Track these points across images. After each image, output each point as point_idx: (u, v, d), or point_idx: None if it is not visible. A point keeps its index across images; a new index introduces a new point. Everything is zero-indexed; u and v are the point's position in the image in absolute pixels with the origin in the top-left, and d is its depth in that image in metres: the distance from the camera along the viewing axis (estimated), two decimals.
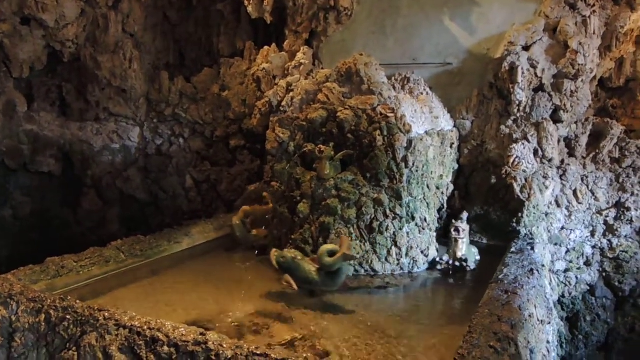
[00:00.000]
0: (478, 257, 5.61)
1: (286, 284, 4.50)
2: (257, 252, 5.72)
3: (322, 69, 6.88)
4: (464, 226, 5.47)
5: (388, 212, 5.14)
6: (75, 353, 3.41)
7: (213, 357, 2.99)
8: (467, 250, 5.48)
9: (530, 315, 3.96)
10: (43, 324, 3.61)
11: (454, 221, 5.55)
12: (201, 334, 3.17)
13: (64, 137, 8.60)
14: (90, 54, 8.19)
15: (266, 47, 7.72)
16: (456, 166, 6.45)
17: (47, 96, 8.55)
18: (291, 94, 6.45)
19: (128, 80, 8.36)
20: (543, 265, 5.46)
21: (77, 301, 3.69)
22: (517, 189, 5.93)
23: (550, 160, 6.06)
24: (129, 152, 8.81)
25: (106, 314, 3.46)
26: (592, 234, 6.20)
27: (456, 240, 5.44)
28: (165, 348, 3.15)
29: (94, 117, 8.61)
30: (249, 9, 7.39)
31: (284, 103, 6.68)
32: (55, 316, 3.59)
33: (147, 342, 3.22)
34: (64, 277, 4.53)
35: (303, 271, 4.53)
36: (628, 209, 6.06)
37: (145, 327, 3.28)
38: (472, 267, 5.42)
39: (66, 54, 8.08)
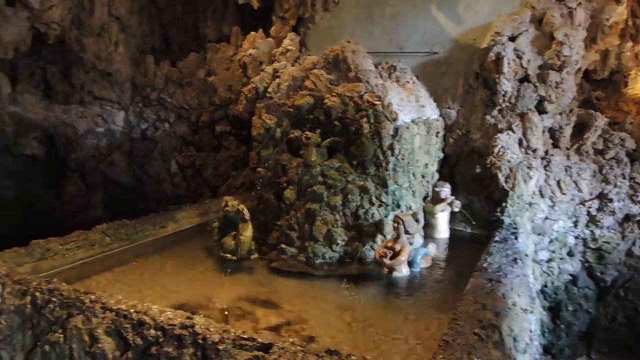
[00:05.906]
0: None
1: None
2: None
3: (309, 55, 6.87)
4: None
5: (374, 199, 5.15)
6: (62, 335, 3.41)
7: (200, 341, 3.00)
8: None
9: (513, 304, 3.99)
10: (29, 306, 3.61)
11: None
12: (188, 317, 3.18)
13: (47, 120, 8.56)
14: (75, 36, 8.14)
15: (253, 33, 7.71)
16: (441, 155, 6.49)
17: (31, 78, 8.51)
18: (278, 80, 6.43)
19: (113, 64, 8.33)
20: (526, 255, 5.49)
21: (63, 284, 3.68)
22: (502, 179, 5.96)
23: (534, 151, 6.10)
24: (114, 136, 8.78)
25: (92, 297, 3.45)
26: (575, 224, 6.25)
27: None
28: (152, 331, 3.15)
29: (79, 100, 8.58)
30: None
31: (270, 89, 6.65)
32: (41, 298, 3.58)
33: (134, 325, 3.22)
34: (49, 259, 4.51)
35: None
36: (611, 200, 6.12)
37: (132, 311, 3.28)
38: None
39: (51, 36, 8.03)
